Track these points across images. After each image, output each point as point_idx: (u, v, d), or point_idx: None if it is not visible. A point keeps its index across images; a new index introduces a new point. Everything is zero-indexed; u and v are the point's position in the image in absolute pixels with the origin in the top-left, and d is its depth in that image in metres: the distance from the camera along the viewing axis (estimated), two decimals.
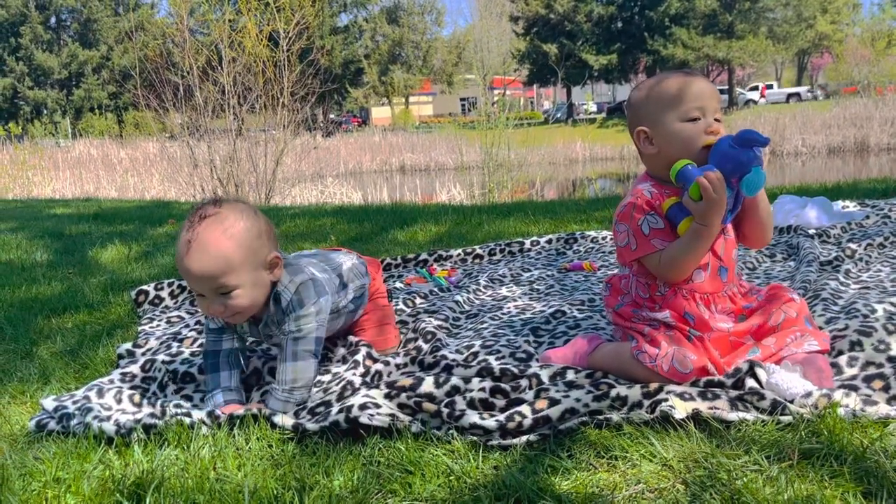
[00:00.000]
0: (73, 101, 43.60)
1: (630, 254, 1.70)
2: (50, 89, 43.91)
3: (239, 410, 1.61)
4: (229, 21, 11.20)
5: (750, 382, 1.51)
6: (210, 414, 1.60)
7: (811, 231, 2.97)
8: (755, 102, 37.62)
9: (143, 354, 2.11)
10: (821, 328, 1.79)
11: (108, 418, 1.63)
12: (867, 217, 3.34)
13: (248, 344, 1.96)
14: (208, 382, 1.81)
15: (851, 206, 3.71)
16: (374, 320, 2.09)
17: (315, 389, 1.80)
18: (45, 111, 43.37)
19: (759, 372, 1.52)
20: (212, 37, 11.56)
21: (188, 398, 1.83)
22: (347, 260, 2.04)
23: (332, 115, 42.11)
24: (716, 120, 1.66)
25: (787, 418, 1.40)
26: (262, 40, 10.88)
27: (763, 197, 1.69)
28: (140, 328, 2.46)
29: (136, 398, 1.76)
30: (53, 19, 45.84)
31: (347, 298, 1.97)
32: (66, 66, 43.75)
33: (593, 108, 43.97)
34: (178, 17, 11.15)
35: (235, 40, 10.86)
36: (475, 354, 1.90)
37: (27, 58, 43.42)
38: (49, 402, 1.75)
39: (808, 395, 1.44)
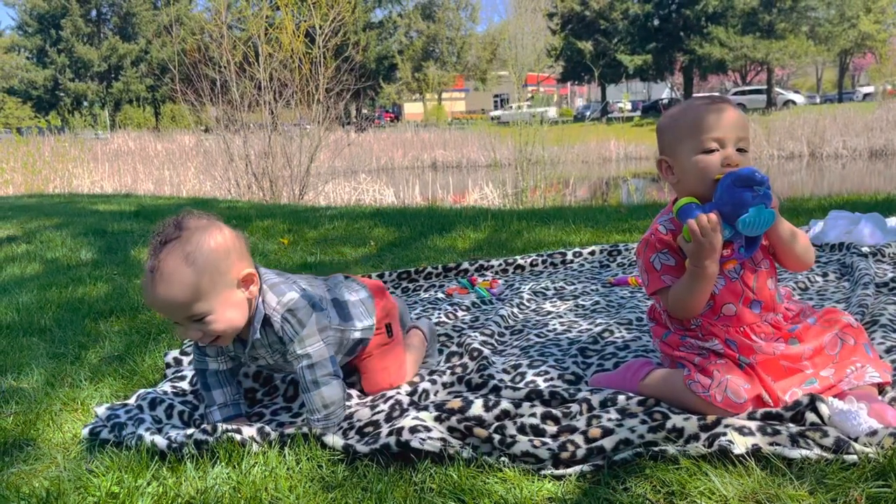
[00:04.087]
0: (113, 93, 44.44)
1: (646, 288, 1.73)
2: (90, 81, 44.80)
3: (274, 432, 1.61)
4: (266, 17, 11.29)
5: (811, 417, 1.46)
6: (260, 431, 1.60)
7: (864, 249, 2.88)
8: (794, 103, 36.86)
9: (191, 364, 2.13)
10: (880, 357, 1.73)
11: (160, 430, 1.64)
12: None
13: (240, 362, 1.81)
14: (205, 399, 1.76)
15: None
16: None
17: (358, 406, 1.78)
18: (84, 103, 44.25)
19: (821, 406, 1.47)
20: (249, 32, 11.66)
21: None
22: (353, 295, 1.91)
23: (364, 111, 42.24)
24: (740, 150, 1.62)
25: (851, 457, 1.36)
26: (298, 36, 10.95)
27: (783, 226, 1.64)
28: None
29: (186, 416, 1.77)
30: (94, 12, 46.71)
31: (354, 336, 1.85)
32: (105, 58, 44.58)
33: (628, 106, 43.33)
34: (216, 12, 11.28)
35: (272, 36, 10.95)
36: (522, 375, 1.88)
37: (68, 50, 44.34)
38: (102, 411, 1.77)
39: (874, 433, 1.39)
